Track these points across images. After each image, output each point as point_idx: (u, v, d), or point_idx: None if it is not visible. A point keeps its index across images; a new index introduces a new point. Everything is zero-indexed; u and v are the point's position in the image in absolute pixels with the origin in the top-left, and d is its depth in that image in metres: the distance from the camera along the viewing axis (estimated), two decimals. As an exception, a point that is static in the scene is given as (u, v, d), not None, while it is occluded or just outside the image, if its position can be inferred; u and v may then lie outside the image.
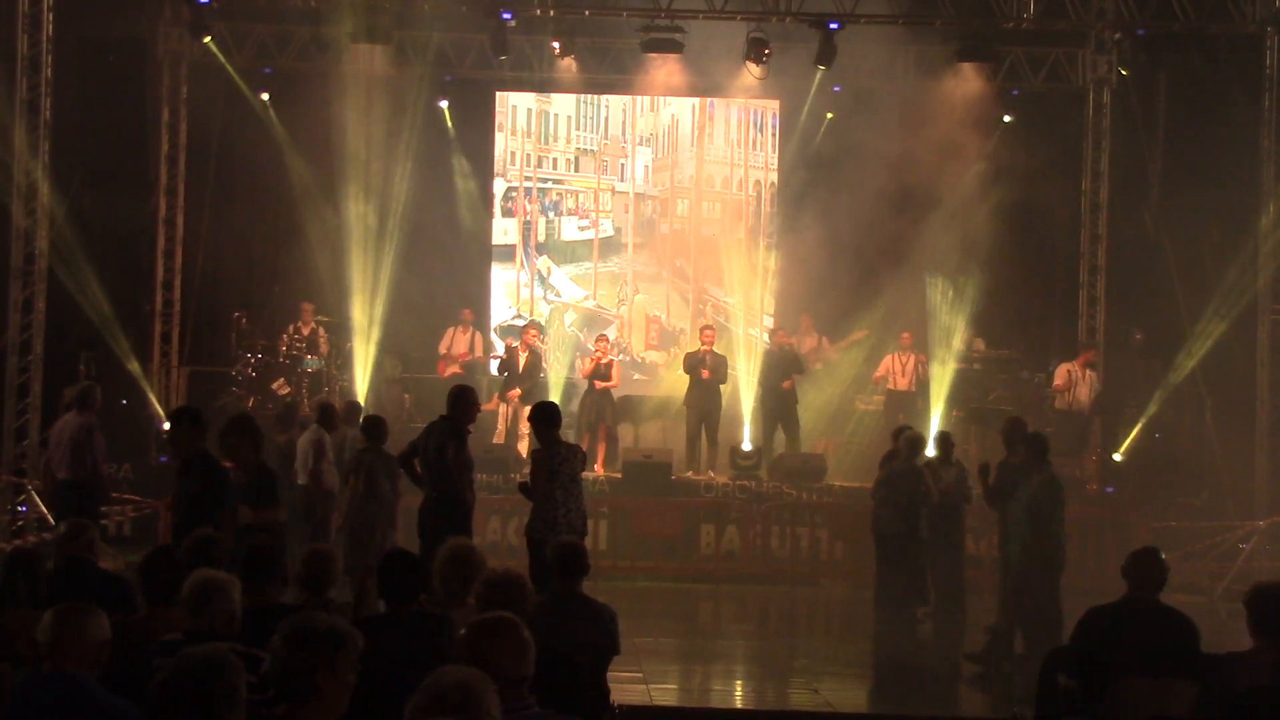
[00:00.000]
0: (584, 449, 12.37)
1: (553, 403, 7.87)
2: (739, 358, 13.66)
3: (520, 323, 14.95)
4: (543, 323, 14.79)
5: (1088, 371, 13.14)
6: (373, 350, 13.41)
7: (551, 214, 15.55)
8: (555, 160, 15.51)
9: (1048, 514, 7.60)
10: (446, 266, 14.25)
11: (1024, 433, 8.49)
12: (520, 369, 12.98)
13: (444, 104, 14.86)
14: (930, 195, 13.88)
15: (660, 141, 15.60)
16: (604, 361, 12.87)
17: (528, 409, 8.53)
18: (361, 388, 13.16)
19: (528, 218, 15.39)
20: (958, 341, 13.74)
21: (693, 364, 12.79)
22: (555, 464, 7.34)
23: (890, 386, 13.42)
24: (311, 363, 13.46)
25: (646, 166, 15.57)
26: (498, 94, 15.24)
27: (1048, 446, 7.79)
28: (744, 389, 13.19)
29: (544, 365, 13.48)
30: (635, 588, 10.85)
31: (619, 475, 12.41)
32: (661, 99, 15.25)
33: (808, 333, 14.42)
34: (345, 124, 13.76)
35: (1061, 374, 13.11)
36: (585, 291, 15.47)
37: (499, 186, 15.45)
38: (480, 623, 3.27)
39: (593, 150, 15.48)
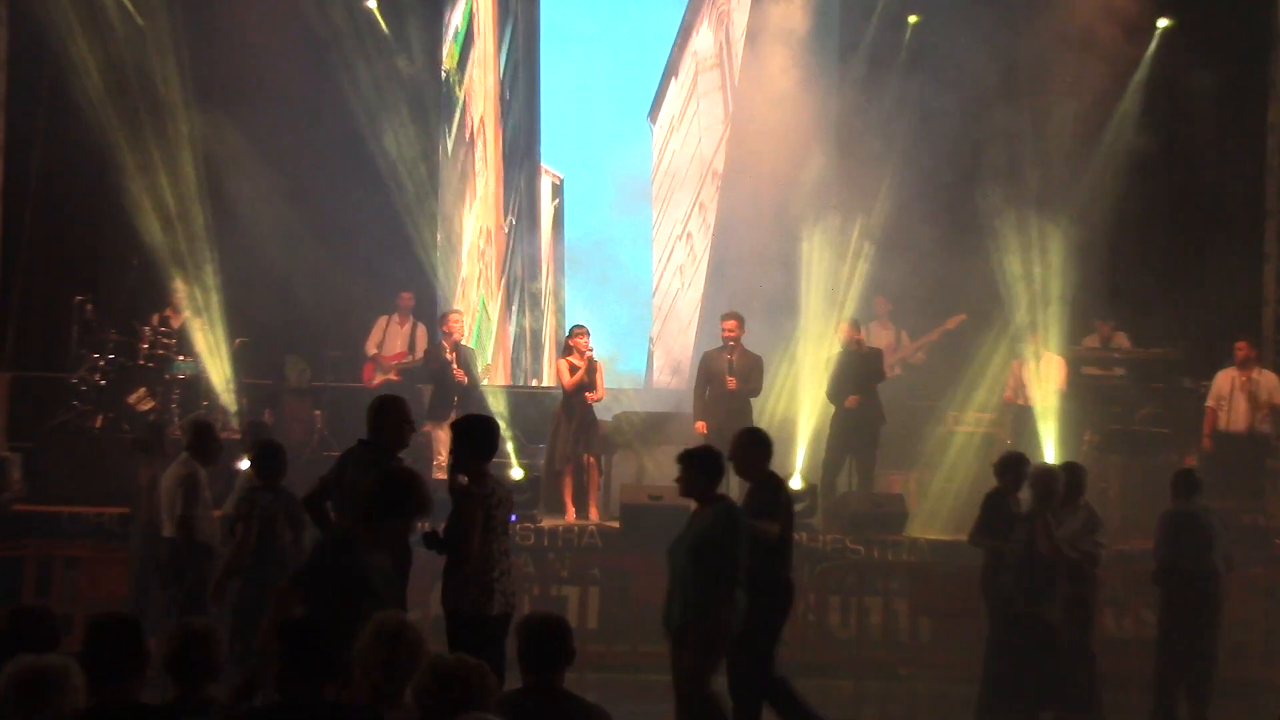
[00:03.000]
0: (567, 486, 12.58)
1: (488, 419, 7.73)
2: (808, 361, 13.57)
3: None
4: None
5: (1266, 375, 13.07)
6: (225, 340, 13.49)
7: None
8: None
9: (712, 556, 7.51)
10: (377, 234, 14.27)
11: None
12: (454, 377, 13.00)
13: (372, 3, 14.92)
14: (1050, 131, 13.87)
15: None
16: (581, 363, 12.66)
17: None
18: (226, 396, 13.22)
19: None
20: (1091, 337, 13.77)
21: (708, 369, 12.73)
22: (491, 506, 7.23)
23: (1010, 399, 13.50)
24: (184, 366, 13.48)
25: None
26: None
27: (720, 469, 7.75)
28: (807, 405, 13.03)
29: (477, 366, 13.54)
30: (637, 681, 10.77)
31: (615, 524, 12.37)
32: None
33: (883, 323, 14.33)
34: (231, 30, 13.75)
35: (1224, 381, 13.02)
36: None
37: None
38: None
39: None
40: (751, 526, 7.69)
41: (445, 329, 13.31)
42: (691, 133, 16.39)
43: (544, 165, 16.63)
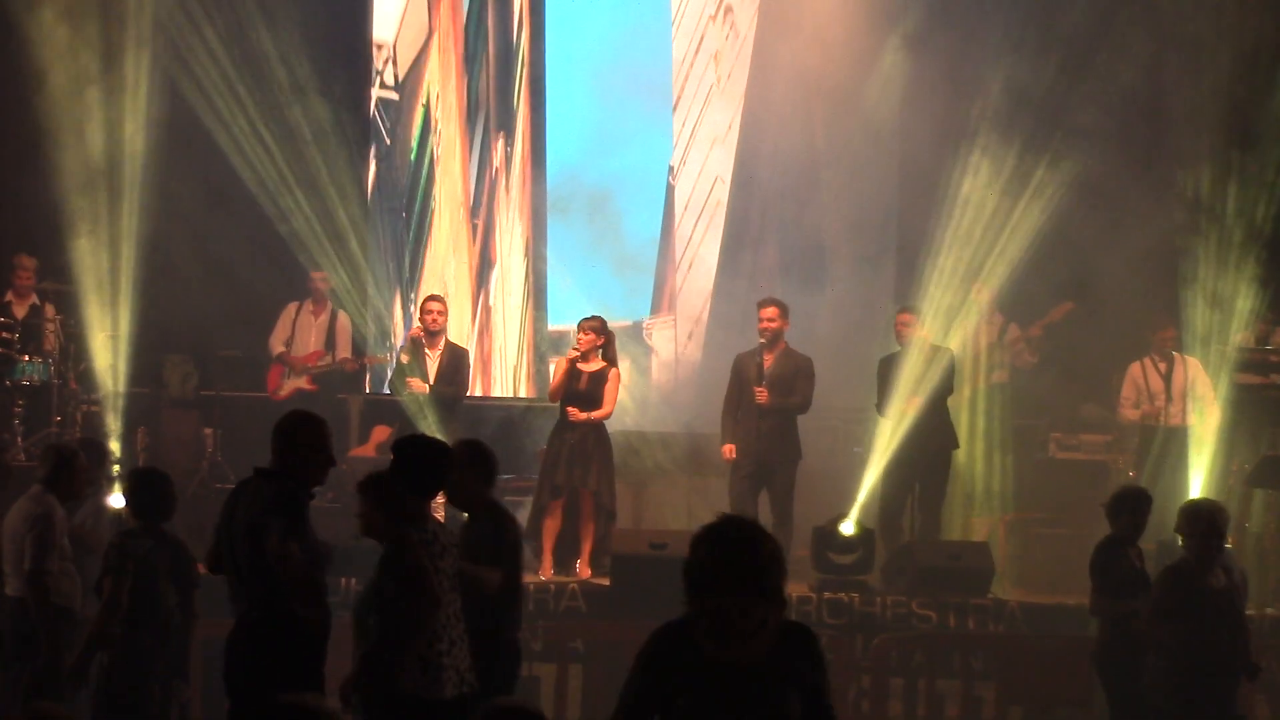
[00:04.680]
0: (548, 531, 12.83)
1: (432, 441, 7.85)
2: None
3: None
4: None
5: None
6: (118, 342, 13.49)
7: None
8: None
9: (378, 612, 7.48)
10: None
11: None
12: (430, 378, 13.04)
13: None
14: (1192, 48, 13.92)
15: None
16: (585, 367, 12.62)
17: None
18: (114, 420, 13.23)
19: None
20: (1244, 333, 13.62)
21: (740, 376, 12.72)
22: (434, 555, 7.25)
23: (1146, 414, 13.59)
24: (30, 369, 13.60)
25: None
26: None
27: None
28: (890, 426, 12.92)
29: (470, 368, 13.67)
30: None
31: (605, 581, 12.39)
32: None
33: (989, 312, 14.30)
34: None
35: None
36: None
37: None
38: None
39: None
40: (469, 571, 7.69)
41: (429, 322, 13.20)
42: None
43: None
